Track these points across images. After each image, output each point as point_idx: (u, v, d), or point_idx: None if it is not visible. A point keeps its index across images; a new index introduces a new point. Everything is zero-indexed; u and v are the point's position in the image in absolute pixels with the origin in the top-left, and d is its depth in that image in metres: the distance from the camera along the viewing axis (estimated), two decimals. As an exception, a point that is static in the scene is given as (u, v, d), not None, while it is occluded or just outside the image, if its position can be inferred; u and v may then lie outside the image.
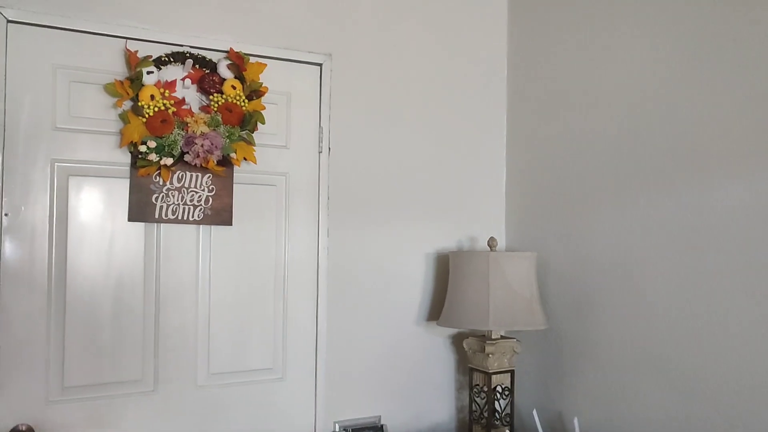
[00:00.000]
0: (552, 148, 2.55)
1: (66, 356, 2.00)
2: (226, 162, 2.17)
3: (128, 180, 2.08)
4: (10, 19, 1.94)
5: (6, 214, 1.93)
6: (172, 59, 2.12)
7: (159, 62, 2.09)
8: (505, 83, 2.82)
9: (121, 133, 2.04)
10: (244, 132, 2.18)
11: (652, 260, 2.12)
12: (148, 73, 2.04)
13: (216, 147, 2.10)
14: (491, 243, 2.46)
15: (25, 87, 1.96)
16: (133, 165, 2.07)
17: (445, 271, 2.62)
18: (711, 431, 1.92)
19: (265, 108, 2.24)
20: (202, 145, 2.07)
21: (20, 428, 1.93)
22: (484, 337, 2.47)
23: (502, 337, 2.48)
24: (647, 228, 2.14)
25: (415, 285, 2.60)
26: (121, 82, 2.02)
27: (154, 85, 2.06)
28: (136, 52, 2.07)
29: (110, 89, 2.02)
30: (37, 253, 1.97)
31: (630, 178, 2.21)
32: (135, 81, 2.03)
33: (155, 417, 2.12)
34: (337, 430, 2.41)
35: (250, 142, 2.20)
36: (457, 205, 2.70)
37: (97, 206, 2.05)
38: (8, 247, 1.94)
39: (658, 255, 2.10)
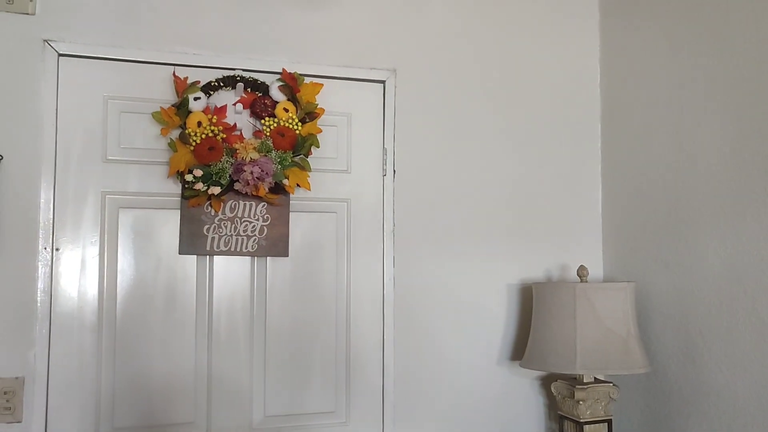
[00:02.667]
0: (654, 165, 2.21)
1: (116, 395, 1.93)
2: (279, 189, 2.03)
3: (179, 211, 2.00)
4: (61, 53, 1.93)
5: (57, 249, 1.90)
6: (222, 84, 2.03)
7: (208, 87, 2.01)
8: (599, 93, 2.50)
9: (169, 162, 1.96)
10: (297, 157, 2.04)
11: (776, 292, 1.74)
12: (195, 99, 1.96)
13: (267, 174, 1.97)
14: (581, 273, 2.15)
15: (77, 119, 1.94)
16: (183, 195, 1.98)
17: (531, 304, 2.33)
18: None
19: (321, 131, 2.09)
20: (251, 172, 1.94)
21: (70, 470, 1.87)
22: (574, 380, 2.15)
23: (596, 381, 2.15)
24: (765, 248, 1.76)
25: (495, 320, 2.33)
26: (167, 110, 1.95)
27: (203, 111, 1.97)
28: (186, 78, 1.99)
29: (157, 117, 1.95)
30: (87, 289, 1.92)
31: (745, 198, 1.84)
32: (181, 108, 1.95)
33: (208, 462, 2.00)
34: (408, 481, 2.18)
35: (304, 168, 2.05)
36: (544, 230, 2.40)
37: (148, 239, 1.98)
38: (59, 282, 1.90)
39: (783, 287, 1.72)
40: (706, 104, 1.98)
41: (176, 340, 1.99)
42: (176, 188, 2.00)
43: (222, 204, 2.01)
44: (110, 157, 1.96)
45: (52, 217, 1.90)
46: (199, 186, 1.94)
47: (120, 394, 1.93)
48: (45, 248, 1.88)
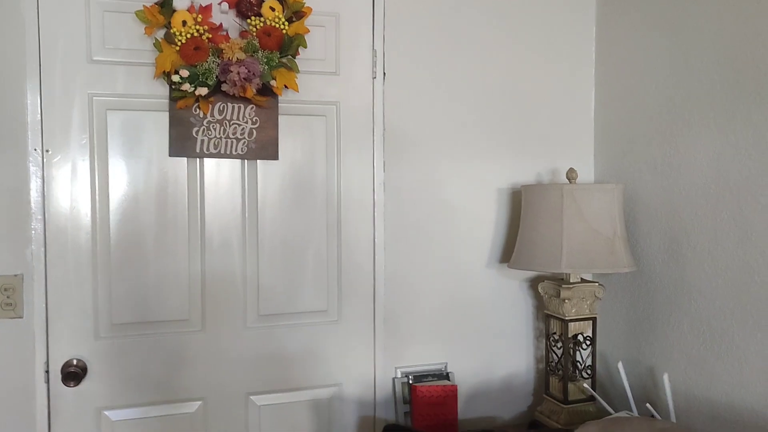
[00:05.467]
0: (648, 68, 2.17)
1: (113, 294, 1.98)
2: (267, 91, 2.02)
3: (167, 113, 1.99)
4: (39, -52, 1.88)
5: (47, 151, 1.91)
6: (206, -19, 1.98)
7: (192, -15, 1.96)
8: (595, -7, 2.44)
9: (155, 62, 1.94)
10: (284, 57, 2.01)
11: (761, 191, 1.74)
12: (179, -4, 1.91)
13: (254, 74, 1.95)
14: (570, 175, 2.16)
15: (59, 19, 1.90)
16: (171, 97, 1.97)
17: (520, 208, 2.35)
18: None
19: (308, 31, 2.05)
20: (238, 73, 1.92)
21: (72, 362, 1.95)
22: (561, 281, 2.20)
23: (583, 281, 2.20)
24: (756, 152, 1.76)
25: (485, 223, 2.36)
26: (150, 8, 1.91)
27: (187, 10, 1.93)
28: (168, -25, 1.94)
29: (140, 16, 1.91)
30: (79, 190, 1.94)
31: (737, 95, 1.82)
32: (165, 6, 1.91)
33: (203, 356, 2.07)
34: (399, 376, 2.27)
35: (292, 68, 2.03)
36: (536, 133, 2.39)
37: (137, 141, 1.98)
38: (51, 183, 1.92)
39: None
40: (703, 8, 1.93)
41: (170, 240, 2.03)
42: (164, 90, 1.99)
43: (210, 106, 2.00)
44: (95, 58, 1.94)
45: (40, 119, 1.90)
46: (186, 87, 1.92)
47: (116, 292, 1.98)
48: (35, 149, 1.89)
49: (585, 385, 2.17)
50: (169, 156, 2.01)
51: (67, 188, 1.93)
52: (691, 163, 1.99)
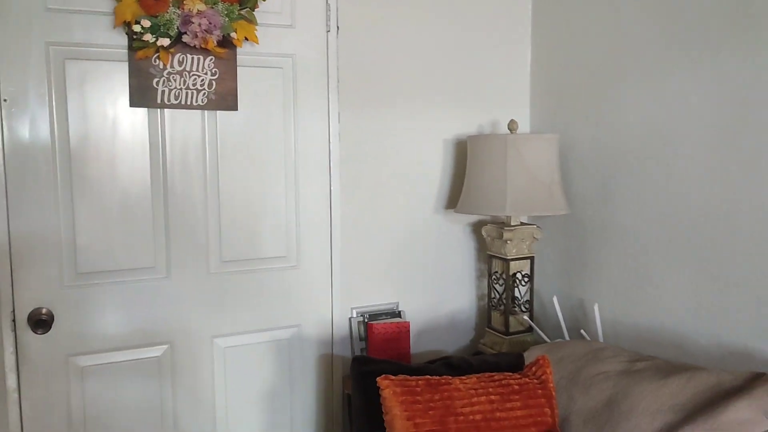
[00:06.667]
0: (580, 22, 2.36)
1: (78, 243, 2.01)
2: (227, 43, 2.06)
3: (126, 63, 2.01)
4: None
5: (5, 100, 1.89)
6: (164, -69, 1.98)
7: (150, -66, 1.96)
8: (532, -48, 2.59)
9: (115, 12, 1.94)
10: (243, 10, 2.06)
11: (684, 138, 1.97)
12: (138, -55, 1.91)
13: (215, 26, 1.99)
14: (511, 126, 2.33)
15: (12, -35, 1.87)
16: (131, 47, 1.99)
17: (465, 157, 2.52)
18: (744, 317, 1.83)
19: (266, -17, 2.10)
20: (199, 24, 1.96)
21: (40, 311, 1.98)
22: (503, 224, 2.39)
23: (522, 224, 2.41)
24: (681, 103, 1.98)
25: (433, 172, 2.51)
26: (109, -44, 1.91)
27: (146, -41, 1.94)
28: (125, -77, 1.93)
29: (98, -36, 1.91)
30: (39, 141, 1.94)
31: (664, 50, 2.03)
32: (124, -45, 1.91)
33: (169, 302, 2.14)
34: (354, 315, 2.42)
35: (251, 21, 2.08)
36: (478, 87, 2.55)
37: (98, 91, 1.99)
38: (10, 134, 1.91)
39: (692, 132, 1.95)
40: (633, -36, 2.12)
41: (133, 189, 2.06)
42: (122, 40, 1.99)
43: (170, 57, 2.03)
44: (51, 6, 1.91)
45: (-5, 67, 1.88)
46: (148, 37, 1.94)
47: (81, 241, 2.01)
48: (-8, 99, 1.88)
49: (525, 317, 2.40)
50: (130, 106, 2.03)
51: (26, 139, 1.92)
52: (620, 116, 2.20)
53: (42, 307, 1.99)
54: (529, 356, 1.96)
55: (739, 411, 1.48)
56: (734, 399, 1.50)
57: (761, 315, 1.77)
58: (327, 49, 2.28)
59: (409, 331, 2.34)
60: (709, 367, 1.75)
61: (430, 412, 1.62)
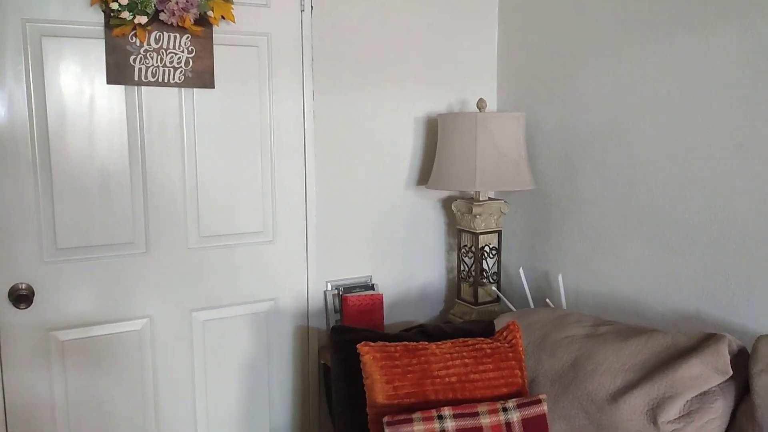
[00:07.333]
0: (545, 5, 2.45)
1: (57, 219, 2.03)
2: (203, 21, 2.09)
3: (103, 41, 2.02)
4: None
5: (-19, 77, 1.90)
6: None
7: None
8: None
9: (91, -11, 1.95)
10: (220, -12, 2.09)
11: (642, 118, 2.09)
12: None
13: (192, 4, 2.02)
14: (480, 105, 2.42)
15: (-14, -60, 1.86)
16: (107, 25, 2.00)
17: (435, 134, 2.60)
18: (695, 283, 1.97)
19: (242, -38, 2.13)
20: (176, 2, 1.99)
21: (20, 286, 2.00)
22: (472, 199, 2.49)
23: (490, 199, 2.51)
24: (639, 85, 2.09)
25: (404, 149, 2.59)
26: (86, -67, 1.91)
27: (123, -63, 1.95)
28: None
29: (75, -59, 1.91)
30: (17, 118, 1.95)
31: (624, 33, 2.13)
32: (101, -68, 1.92)
33: (148, 277, 2.18)
34: (329, 288, 2.49)
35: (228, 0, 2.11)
36: (448, 67, 2.63)
37: (75, 69, 2.00)
38: (-13, 111, 1.92)
39: (648, 112, 2.07)
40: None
41: (111, 166, 2.08)
42: (99, 17, 2.00)
43: (147, 34, 2.05)
44: (27, -17, 1.92)
45: (-30, 44, 1.88)
46: (125, 15, 1.96)
47: (60, 217, 2.03)
48: (-32, 76, 1.88)
49: (493, 288, 2.51)
50: (107, 83, 2.05)
51: (3, 115, 1.93)
52: (583, 96, 2.31)
53: (22, 283, 2.01)
54: (499, 323, 2.07)
55: (692, 368, 1.61)
56: (687, 357, 1.63)
57: (709, 281, 1.91)
58: (301, 28, 2.33)
59: (382, 302, 2.43)
60: (665, 329, 1.89)
61: (408, 375, 1.72)
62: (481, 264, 2.50)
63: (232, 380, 2.37)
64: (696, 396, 1.61)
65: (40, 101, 1.97)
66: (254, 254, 2.35)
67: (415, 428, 1.57)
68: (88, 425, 2.14)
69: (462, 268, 2.55)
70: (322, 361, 2.46)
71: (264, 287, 2.38)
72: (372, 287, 2.54)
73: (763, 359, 1.56)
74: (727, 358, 1.61)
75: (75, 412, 2.11)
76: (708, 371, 1.61)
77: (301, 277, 2.45)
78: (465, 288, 2.56)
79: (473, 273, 2.49)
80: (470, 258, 2.51)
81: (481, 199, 2.47)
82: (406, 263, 2.65)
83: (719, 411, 1.59)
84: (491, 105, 2.73)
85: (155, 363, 2.23)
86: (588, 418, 1.71)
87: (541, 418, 1.65)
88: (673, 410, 1.60)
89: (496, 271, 2.54)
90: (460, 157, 2.34)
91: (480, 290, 2.50)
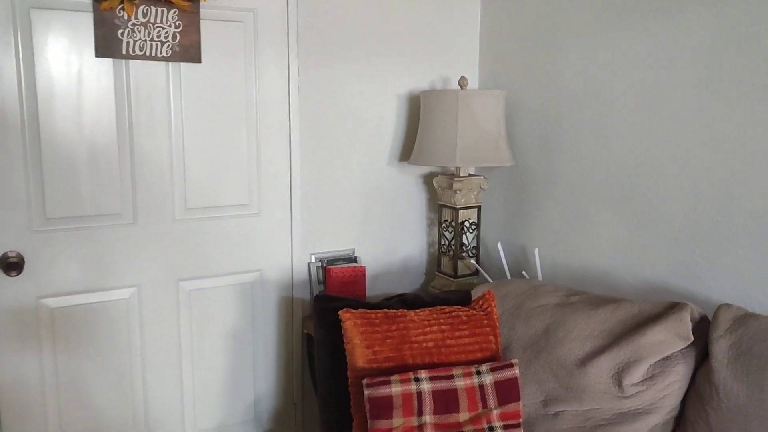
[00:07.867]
0: (526, -16, 2.50)
1: (46, 190, 2.08)
2: (190, -4, 2.13)
3: (92, 14, 2.05)
4: None
5: (-30, 48, 1.92)
6: None
7: None
8: None
9: (80, -37, 1.98)
10: (207, -37, 2.13)
11: (617, 96, 2.16)
12: None
13: (179, -21, 2.05)
14: (462, 82, 2.48)
15: None
16: (95, -2, 2.04)
17: (418, 111, 2.66)
18: (663, 256, 2.06)
19: (228, -62, 2.16)
20: (164, -23, 2.02)
21: (9, 254, 2.05)
22: (452, 175, 2.56)
23: (470, 175, 2.58)
24: (614, 64, 2.16)
25: (387, 125, 2.65)
26: None
27: None
28: None
29: None
30: (6, 90, 1.98)
31: (600, 13, 2.20)
32: None
33: (135, 248, 2.24)
34: (313, 261, 2.56)
35: (215, -25, 2.15)
36: (431, 45, 2.68)
37: (63, 41, 2.04)
38: (-24, 81, 1.95)
39: (623, 91, 2.14)
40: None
41: (99, 138, 2.13)
42: (87, -9, 2.04)
43: (134, 8, 2.08)
44: (15, -45, 1.95)
45: (-41, 15, 1.90)
46: (114, -12, 2.00)
47: (49, 188, 2.07)
48: (-42, 47, 1.91)
49: (472, 261, 2.59)
50: (96, 57, 2.08)
51: (-7, 86, 1.96)
52: (561, 74, 2.37)
53: (12, 251, 2.05)
54: (476, 293, 2.15)
55: (656, 334, 1.70)
56: (652, 324, 1.73)
57: (677, 254, 2.00)
58: (287, 4, 2.37)
59: (364, 274, 2.51)
60: (633, 299, 1.98)
61: (388, 340, 1.80)
62: (461, 238, 2.58)
63: (218, 349, 2.44)
64: (659, 360, 1.70)
65: (29, 73, 2.01)
66: (240, 226, 2.41)
67: (393, 389, 1.65)
68: (76, 392, 2.20)
69: (442, 242, 2.63)
70: (306, 331, 2.53)
71: (249, 259, 2.45)
72: (355, 260, 2.62)
73: (721, 326, 1.65)
74: (689, 325, 1.70)
75: (64, 379, 2.18)
76: (671, 337, 1.70)
77: (286, 249, 2.51)
78: (445, 261, 2.64)
79: (453, 247, 2.57)
80: (450, 232, 2.58)
81: (461, 175, 2.54)
82: (388, 237, 2.72)
83: (680, 374, 1.69)
84: (473, 83, 2.79)
85: (143, 331, 2.29)
86: (558, 382, 1.81)
87: (513, 381, 1.73)
88: (637, 373, 1.70)
89: (476, 245, 2.62)
90: (441, 134, 2.40)
91: (459, 263, 2.58)
